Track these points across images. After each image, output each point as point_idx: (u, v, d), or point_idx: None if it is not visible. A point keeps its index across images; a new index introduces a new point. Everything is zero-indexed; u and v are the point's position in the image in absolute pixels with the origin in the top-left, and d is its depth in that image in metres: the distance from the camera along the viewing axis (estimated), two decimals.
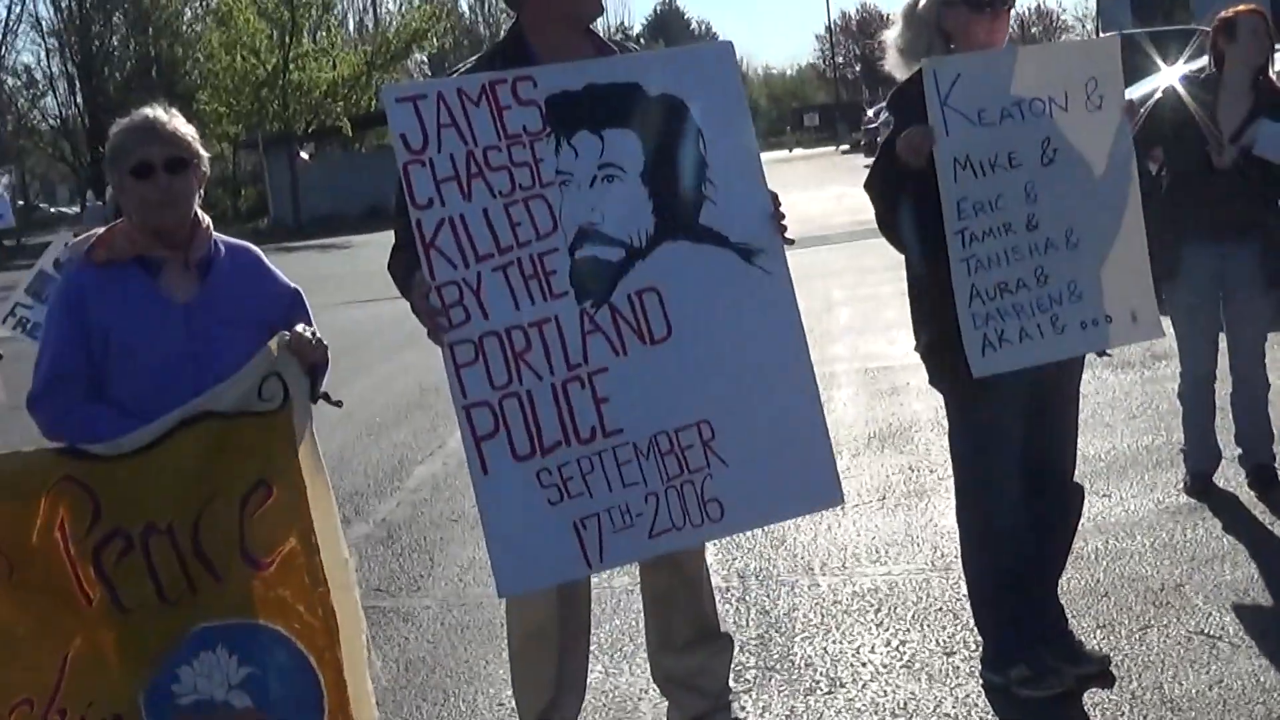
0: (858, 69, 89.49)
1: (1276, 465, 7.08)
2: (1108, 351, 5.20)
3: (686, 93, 4.18)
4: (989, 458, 4.90)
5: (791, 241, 4.26)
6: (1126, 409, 8.93)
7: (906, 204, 4.72)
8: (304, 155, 49.13)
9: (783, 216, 4.24)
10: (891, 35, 5.01)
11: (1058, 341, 4.78)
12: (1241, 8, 6.87)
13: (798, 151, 63.41)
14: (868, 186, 4.87)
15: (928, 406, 9.20)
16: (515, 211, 4.00)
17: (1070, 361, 4.98)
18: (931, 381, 5.06)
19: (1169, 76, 7.52)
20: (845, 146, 64.28)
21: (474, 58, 4.43)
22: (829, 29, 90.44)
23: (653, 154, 4.13)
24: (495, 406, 3.96)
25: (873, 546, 6.89)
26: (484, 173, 3.98)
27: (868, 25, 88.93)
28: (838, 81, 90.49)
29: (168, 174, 4.07)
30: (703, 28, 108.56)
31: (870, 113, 50.39)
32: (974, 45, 4.78)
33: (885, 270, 16.59)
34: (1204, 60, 7.07)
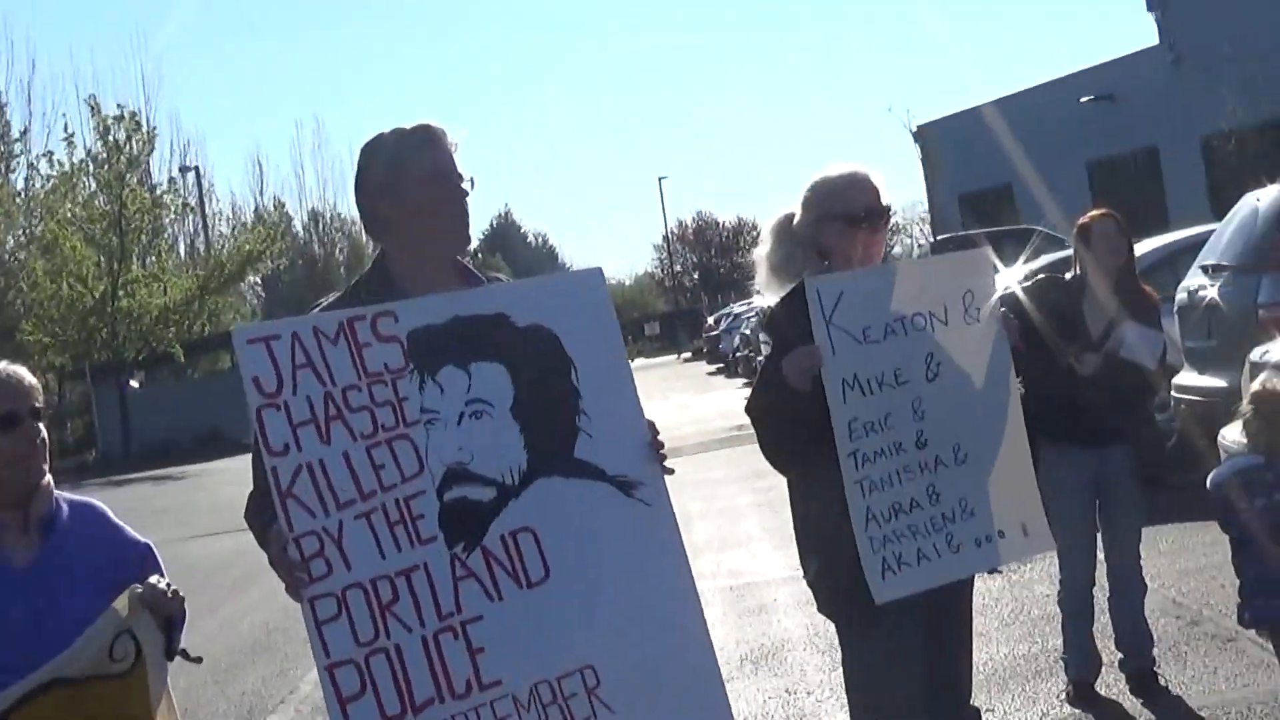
0: (696, 276, 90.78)
1: (1157, 669, 6.94)
2: (999, 569, 5.02)
3: (556, 322, 4.01)
4: (887, 685, 4.65)
5: (671, 471, 4.07)
6: (999, 616, 8.78)
7: (792, 427, 4.52)
8: (134, 384, 48.26)
9: (661, 445, 4.07)
10: (762, 252, 4.87)
11: (954, 561, 4.59)
12: (1094, 213, 6.92)
13: (640, 361, 64.06)
14: (750, 410, 4.68)
15: (798, 624, 8.97)
16: (378, 454, 3.76)
17: (963, 581, 4.78)
18: (821, 609, 4.83)
19: (1008, 279, 7.54)
20: (687, 354, 64.96)
21: (334, 295, 4.20)
22: (666, 238, 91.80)
23: (523, 387, 3.93)
24: (361, 665, 3.67)
25: None
26: (343, 414, 3.74)
27: (703, 233, 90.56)
28: (676, 289, 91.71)
29: (3, 433, 3.78)
30: (539, 240, 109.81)
31: (711, 319, 51.01)
32: (852, 261, 4.64)
33: (739, 481, 16.54)
34: (1042, 260, 7.12)
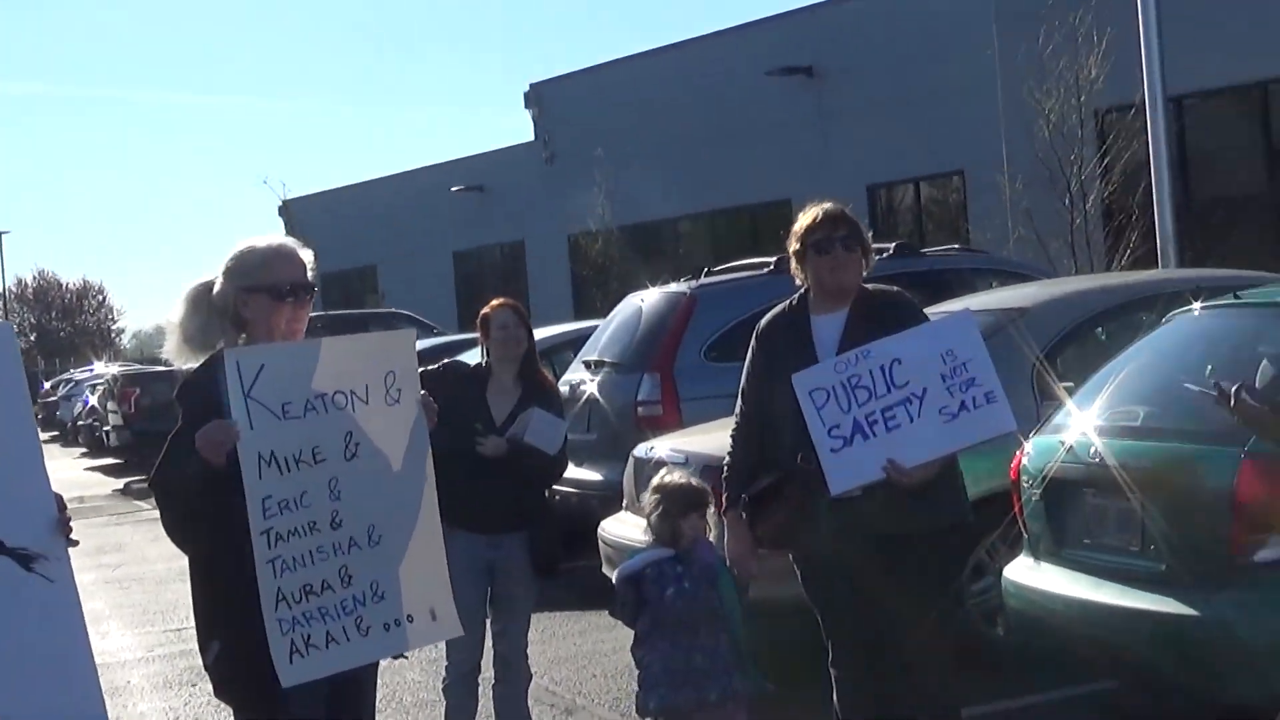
0: (32, 338, 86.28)
1: None
2: (405, 655, 4.97)
3: None
4: None
5: (75, 543, 3.97)
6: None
7: (200, 502, 4.35)
8: None
9: (69, 519, 3.91)
10: (175, 319, 4.68)
11: (363, 644, 4.53)
12: (495, 302, 7.05)
13: None
14: (155, 483, 4.48)
15: (155, 708, 8.59)
16: None
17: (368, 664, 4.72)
18: (219, 694, 4.65)
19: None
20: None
21: None
22: (3, 295, 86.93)
23: None
24: None
25: None
26: None
27: (45, 293, 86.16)
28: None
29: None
30: None
31: (48, 385, 48.42)
32: (274, 335, 4.53)
33: (82, 556, 15.74)
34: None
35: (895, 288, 5.82)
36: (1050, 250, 18.79)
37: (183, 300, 4.69)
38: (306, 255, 4.68)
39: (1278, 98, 21.20)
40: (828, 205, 5.61)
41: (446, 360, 7.54)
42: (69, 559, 3.94)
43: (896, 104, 26.29)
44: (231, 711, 4.74)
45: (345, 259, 44.90)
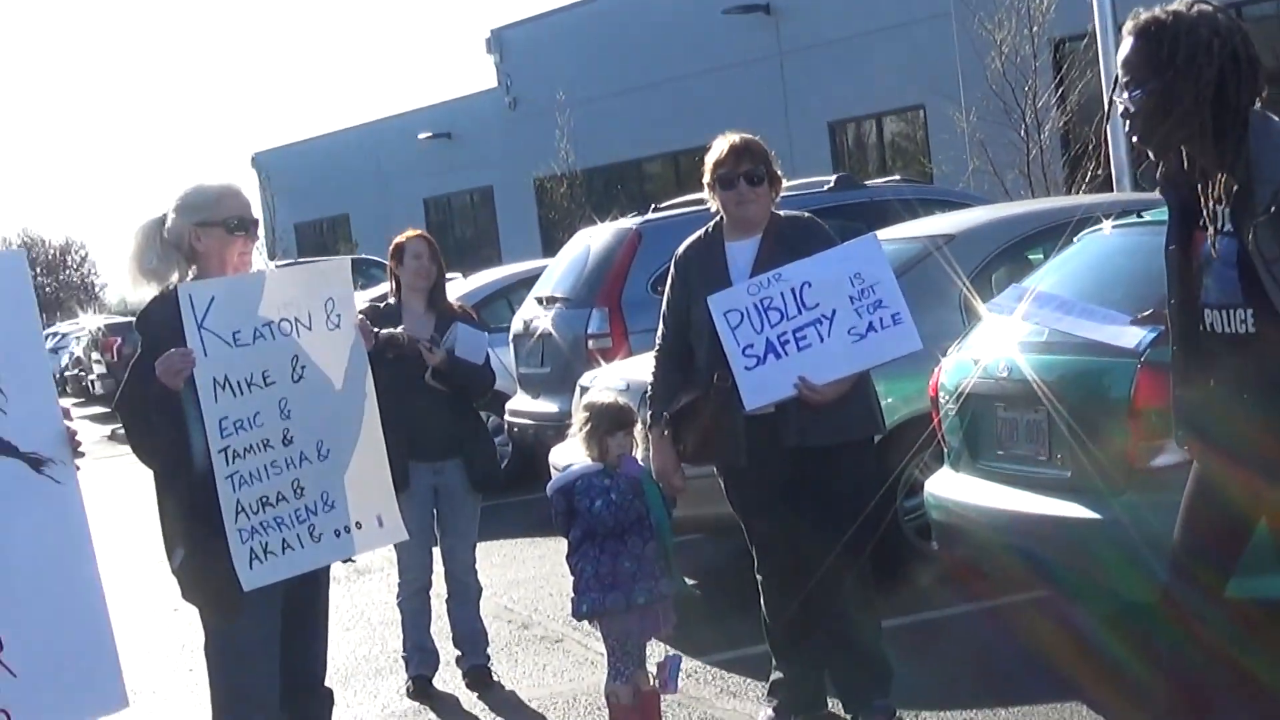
0: None
1: (491, 666, 7.48)
2: (353, 558, 5.38)
3: None
4: (247, 668, 4.95)
5: (83, 454, 4.41)
6: (340, 622, 9.07)
7: (160, 423, 4.76)
8: None
9: (76, 432, 4.37)
10: (128, 252, 5.01)
11: (315, 550, 4.94)
12: (409, 233, 7.45)
13: None
14: (118, 406, 4.88)
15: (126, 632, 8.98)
16: None
17: (321, 570, 5.14)
18: (185, 596, 5.04)
19: None
20: None
21: None
22: None
23: None
24: None
25: None
26: None
27: (29, 251, 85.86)
28: None
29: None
30: None
31: None
32: (225, 268, 4.92)
33: None
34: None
35: (807, 214, 6.17)
36: (1006, 181, 19.08)
37: (135, 235, 5.02)
38: (250, 194, 5.08)
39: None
40: (735, 139, 5.94)
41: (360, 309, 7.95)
42: (74, 465, 4.35)
43: (856, 40, 26.49)
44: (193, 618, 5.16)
45: (318, 209, 45.08)
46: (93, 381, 29.36)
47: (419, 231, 7.58)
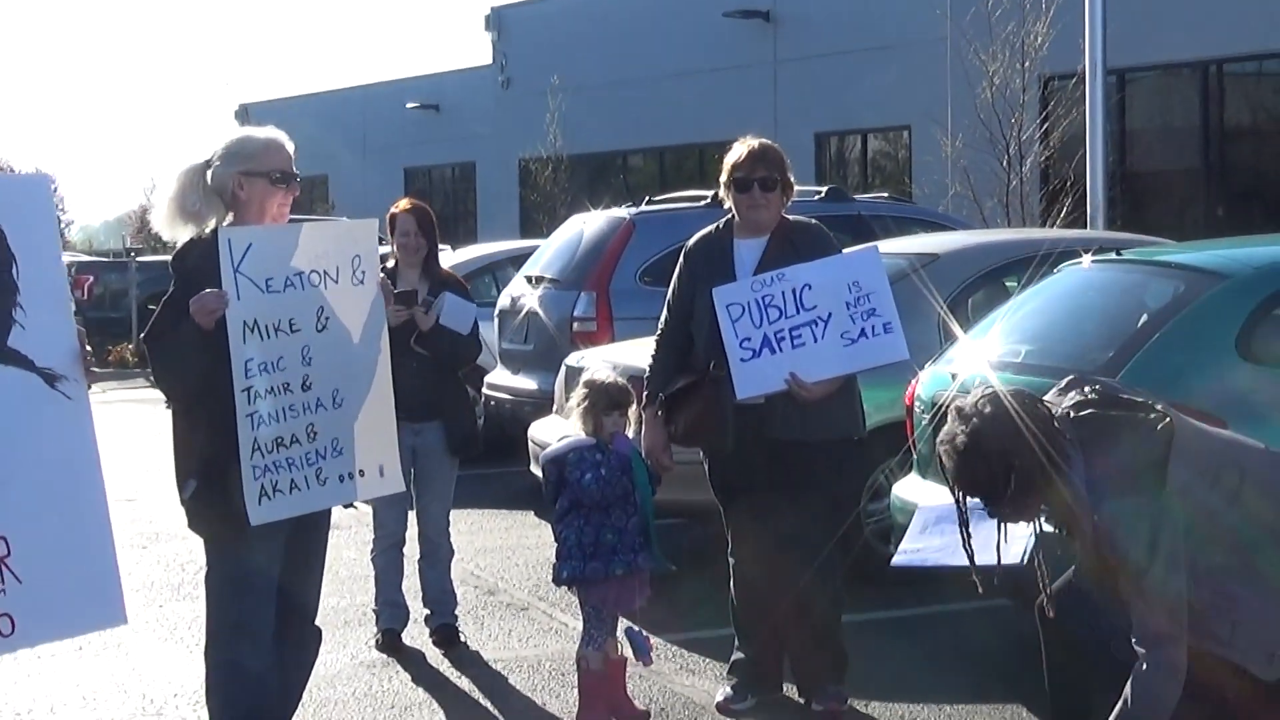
0: None
1: (459, 626, 7.72)
2: (355, 504, 5.62)
3: (3, 219, 4.41)
4: (246, 600, 5.16)
5: (95, 374, 4.60)
6: None
7: (188, 359, 4.96)
8: None
9: (90, 351, 4.57)
10: (169, 194, 5.18)
11: (320, 493, 5.18)
12: (403, 205, 7.69)
13: None
14: (148, 339, 5.09)
15: None
16: None
17: (324, 514, 5.38)
18: (192, 526, 5.25)
19: None
20: None
21: None
22: None
23: None
24: None
25: (79, 696, 6.89)
26: None
27: None
28: None
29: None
30: None
31: None
32: (264, 217, 5.15)
33: None
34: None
35: (814, 220, 6.49)
36: (985, 209, 19.37)
37: (178, 176, 5.19)
38: (291, 148, 5.29)
39: (1218, 79, 21.91)
40: (754, 144, 6.24)
41: None
42: (85, 383, 4.55)
43: (850, 56, 26.73)
44: (194, 553, 5.37)
45: (298, 167, 44.95)
46: None
47: (411, 204, 7.80)
